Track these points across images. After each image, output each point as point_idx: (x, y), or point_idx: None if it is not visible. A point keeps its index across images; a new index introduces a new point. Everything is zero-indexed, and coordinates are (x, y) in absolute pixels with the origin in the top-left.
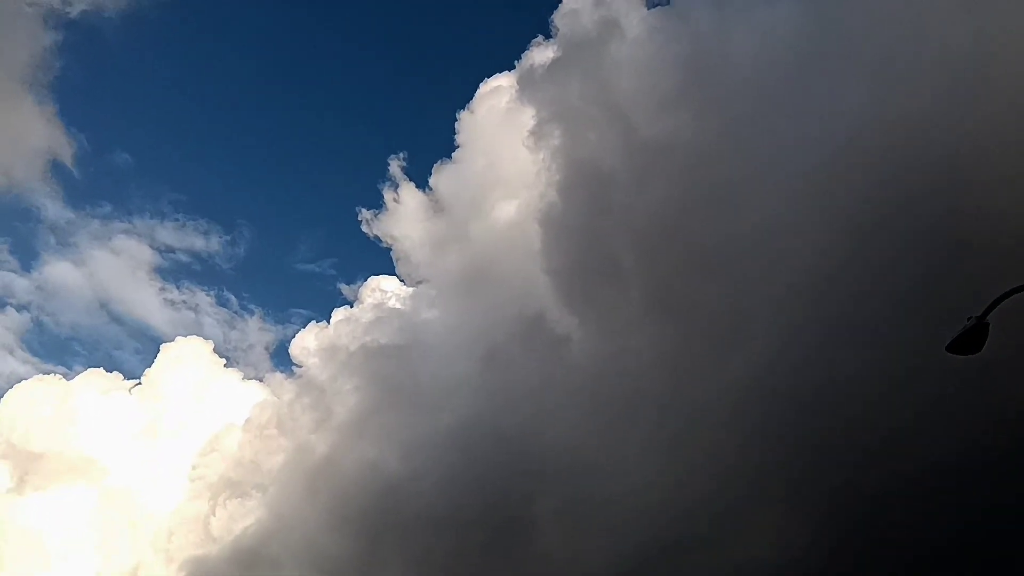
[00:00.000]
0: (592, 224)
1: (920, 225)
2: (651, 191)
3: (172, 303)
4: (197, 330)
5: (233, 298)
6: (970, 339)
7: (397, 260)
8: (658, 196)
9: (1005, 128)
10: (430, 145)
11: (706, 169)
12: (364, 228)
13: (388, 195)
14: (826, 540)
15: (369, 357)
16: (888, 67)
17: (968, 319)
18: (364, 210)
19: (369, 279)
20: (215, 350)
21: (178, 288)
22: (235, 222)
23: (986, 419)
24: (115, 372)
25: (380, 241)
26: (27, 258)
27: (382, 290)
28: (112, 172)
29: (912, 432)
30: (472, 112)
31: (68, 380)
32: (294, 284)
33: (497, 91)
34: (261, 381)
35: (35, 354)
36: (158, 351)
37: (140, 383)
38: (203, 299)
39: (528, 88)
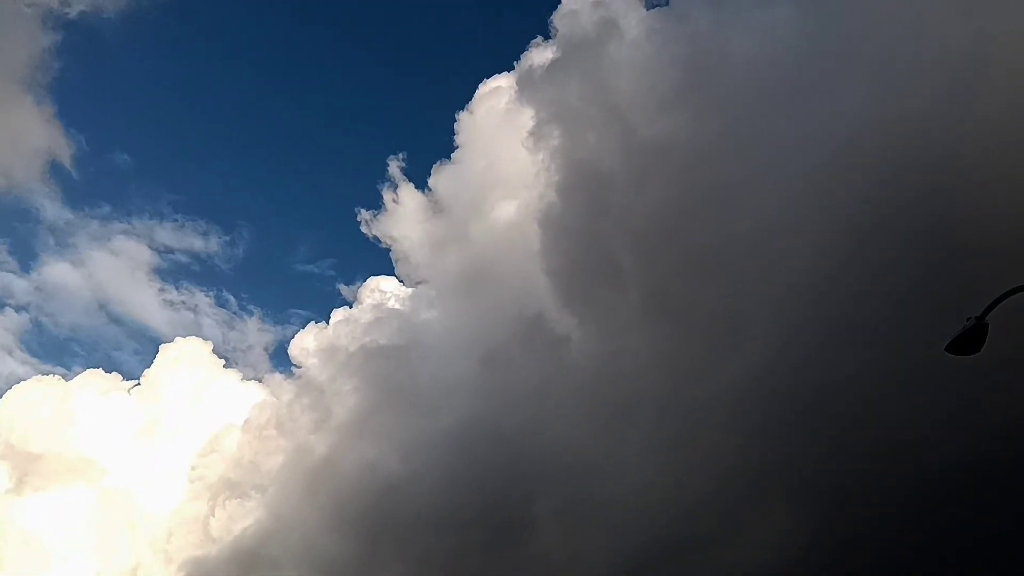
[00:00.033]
0: (591, 225)
1: (919, 225)
2: (650, 192)
3: (171, 304)
4: (196, 331)
5: (232, 299)
6: (969, 339)
7: (396, 261)
8: (657, 197)
9: (1005, 128)
10: (429, 146)
11: (705, 170)
12: (363, 229)
13: (387, 196)
14: (826, 541)
15: (368, 358)
16: (887, 67)
17: (967, 319)
18: (363, 211)
19: (368, 280)
20: (214, 351)
21: (177, 289)
22: (234, 223)
23: (986, 420)
24: (114, 373)
25: (379, 242)
26: (26, 259)
27: (381, 291)
28: (111, 173)
29: (912, 433)
30: (471, 113)
31: (67, 381)
32: (293, 285)
33: (496, 92)
34: (260, 382)
35: (34, 355)
36: (157, 352)
37: (139, 384)
38: (202, 300)
39: (527, 89)
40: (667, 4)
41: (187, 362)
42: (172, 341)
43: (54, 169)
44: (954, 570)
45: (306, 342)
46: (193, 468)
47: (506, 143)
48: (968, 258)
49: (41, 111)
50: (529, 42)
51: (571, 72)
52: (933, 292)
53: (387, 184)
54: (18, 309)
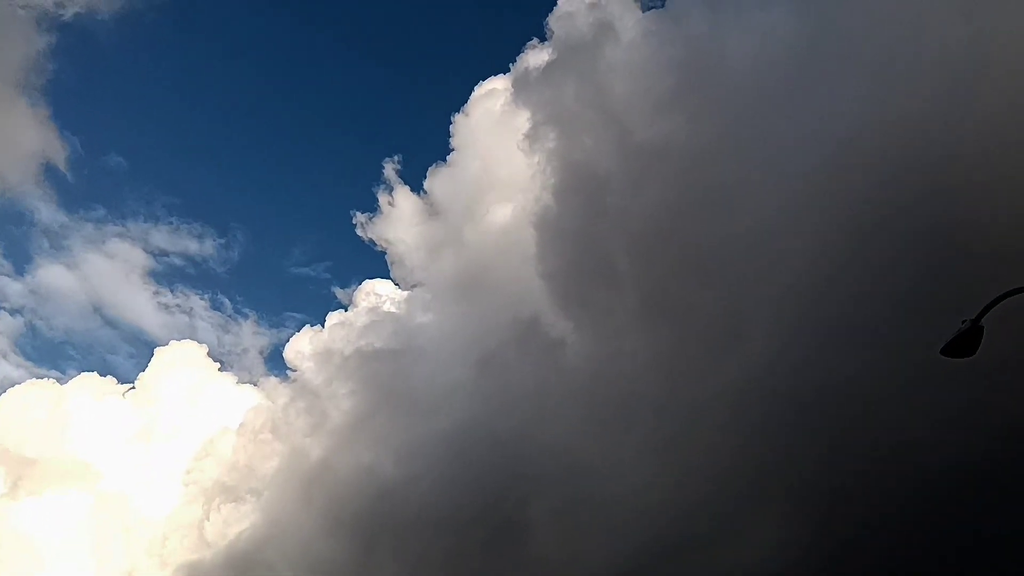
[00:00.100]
0: (587, 227)
1: (918, 226)
2: (646, 194)
3: (166, 307)
4: (191, 334)
5: (227, 302)
6: (964, 343)
7: (392, 264)
8: (653, 199)
9: (1004, 128)
10: (425, 148)
11: (701, 172)
12: (359, 231)
13: (383, 198)
14: (825, 541)
15: (364, 361)
16: (886, 68)
17: (963, 322)
18: (359, 213)
19: (363, 283)
20: (209, 354)
21: (172, 292)
22: (229, 225)
23: (985, 421)
24: (109, 376)
25: (375, 244)
26: (20, 262)
27: (376, 294)
28: (106, 175)
29: (911, 433)
30: (467, 115)
31: (62, 384)
32: (288, 288)
33: (492, 94)
34: (255, 385)
35: (28, 358)
36: (152, 355)
37: (134, 387)
38: (197, 303)
39: (523, 91)
40: (663, 6)
41: (182, 365)
42: (167, 344)
43: (48, 172)
44: (953, 570)
45: (301, 345)
46: (188, 472)
47: (502, 145)
48: (967, 259)
49: (35, 113)
50: (525, 44)
51: (567, 74)
52: (932, 293)
53: (382, 187)
54: (12, 312)
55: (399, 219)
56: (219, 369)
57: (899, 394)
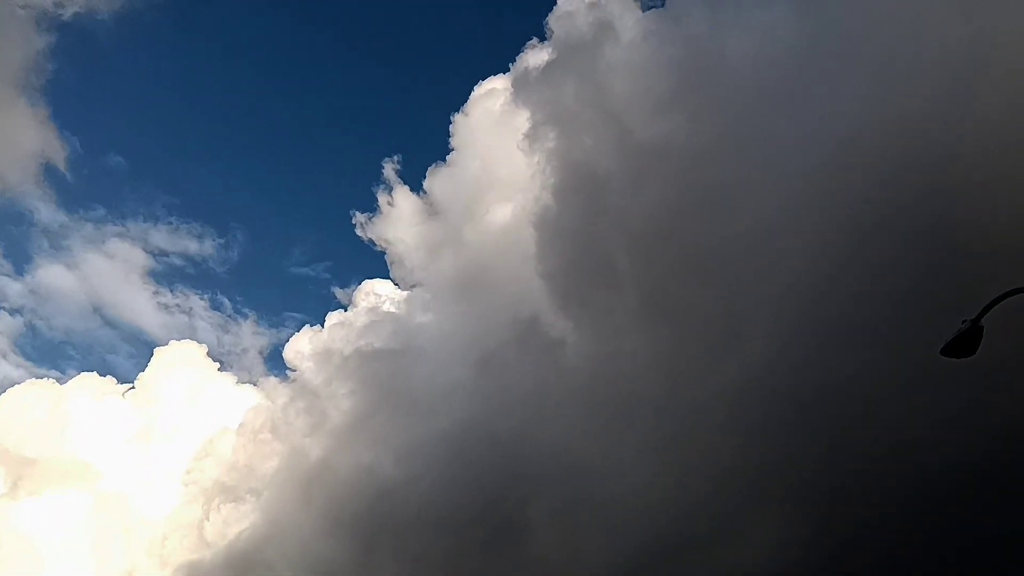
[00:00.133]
0: (587, 227)
1: (918, 226)
2: (646, 193)
3: (166, 307)
4: (191, 334)
5: (227, 302)
6: (964, 342)
7: (391, 264)
8: (653, 198)
9: (1004, 128)
10: (424, 148)
11: (701, 171)
12: (358, 231)
13: (382, 198)
14: (825, 541)
15: (363, 361)
16: (885, 68)
17: (963, 322)
18: (358, 213)
19: (363, 283)
20: (209, 354)
21: (172, 292)
22: (229, 225)
23: (985, 420)
24: (108, 376)
25: (374, 244)
26: (20, 262)
27: (376, 294)
28: (105, 175)
29: (911, 433)
30: (466, 115)
31: (61, 384)
32: (288, 288)
33: (492, 94)
34: (255, 385)
35: (28, 358)
36: (152, 355)
37: (134, 387)
38: (197, 303)
39: (523, 91)
40: (663, 5)
41: (182, 365)
42: (167, 344)
43: (48, 172)
44: (953, 570)
45: (301, 345)
46: (188, 472)
47: (502, 145)
48: (967, 258)
49: (35, 113)
50: (525, 44)
51: (567, 74)
52: (932, 292)
53: (382, 187)
54: (12, 312)
55: (399, 219)
56: (219, 369)
57: (899, 394)
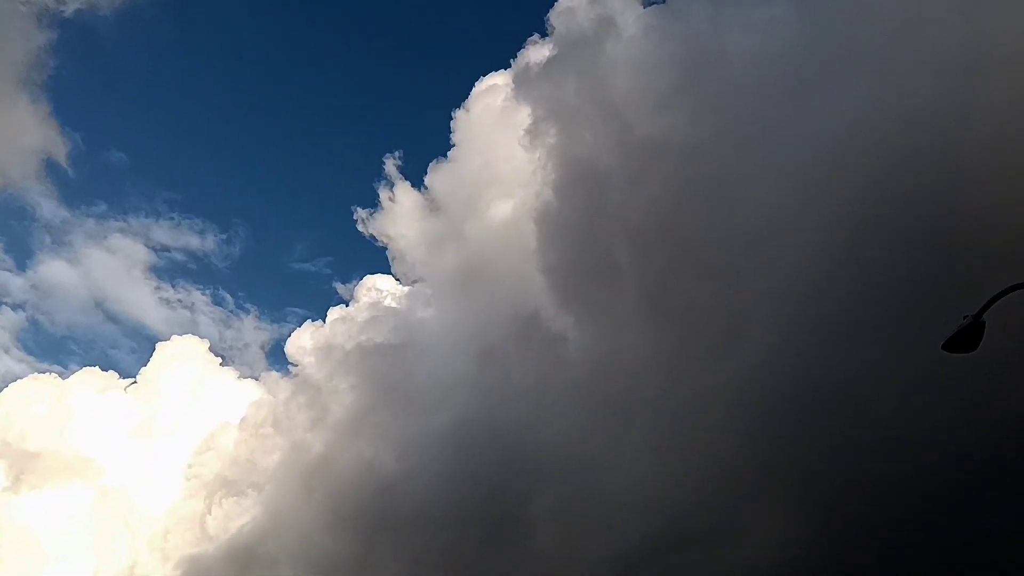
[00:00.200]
0: (588, 223)
1: (918, 223)
2: (647, 190)
3: (167, 302)
4: (192, 329)
5: (228, 297)
6: (965, 338)
7: (393, 259)
8: (654, 195)
9: (1004, 125)
10: (426, 144)
11: (702, 167)
12: (360, 227)
13: (383, 194)
14: (824, 539)
15: (365, 356)
16: (886, 65)
17: (964, 317)
18: (359, 209)
19: (365, 278)
20: (211, 349)
21: (173, 287)
22: (230, 221)
23: (986, 418)
24: (111, 371)
25: (375, 240)
26: (22, 257)
27: (378, 289)
28: (107, 171)
29: (911, 431)
30: (468, 111)
31: (63, 379)
32: (289, 283)
33: (493, 89)
34: (257, 380)
35: (30, 353)
36: (153, 350)
37: (135, 382)
38: (198, 298)
39: (524, 86)
40: (664, 1)
41: (183, 360)
42: (168, 339)
43: (50, 167)
44: (953, 568)
45: (302, 340)
46: (190, 466)
47: (502, 141)
48: (967, 256)
49: (36, 109)
50: (526, 40)
51: (568, 70)
52: (932, 290)
53: (383, 182)
54: (14, 307)
55: (400, 215)
56: (220, 364)
57: (899, 391)
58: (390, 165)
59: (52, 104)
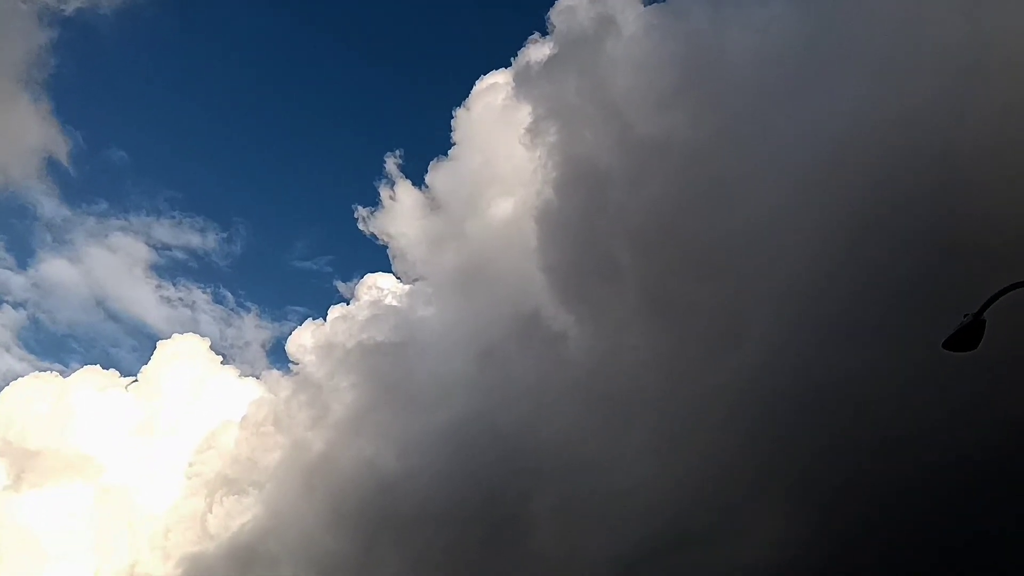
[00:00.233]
0: (588, 221)
1: (918, 223)
2: (647, 188)
3: (168, 300)
4: (193, 327)
5: (229, 295)
6: (966, 336)
7: (393, 257)
8: (654, 193)
9: (1004, 125)
10: (426, 142)
11: (703, 167)
12: (360, 226)
13: (384, 192)
14: (825, 539)
15: (366, 354)
16: (886, 65)
17: (964, 316)
18: (360, 207)
19: (365, 276)
20: (212, 347)
21: (174, 285)
22: (231, 219)
23: (986, 418)
24: (111, 369)
25: (376, 239)
26: (23, 255)
27: (378, 287)
28: (108, 169)
29: (911, 431)
30: (468, 109)
31: (64, 377)
32: (290, 281)
33: (493, 88)
34: (258, 378)
35: (31, 351)
36: (154, 348)
37: (136, 380)
38: (199, 296)
39: (524, 85)
40: (664, 1)
41: (184, 359)
42: (169, 338)
43: (51, 166)
44: (953, 568)
45: (303, 339)
46: (191, 465)
47: (503, 140)
48: (967, 256)
49: (37, 108)
50: (526, 38)
51: (568, 68)
52: (932, 290)
53: (384, 181)
54: (15, 306)
55: (401, 213)
56: (221, 362)
57: (899, 391)
58: (391, 163)
59: (53, 103)
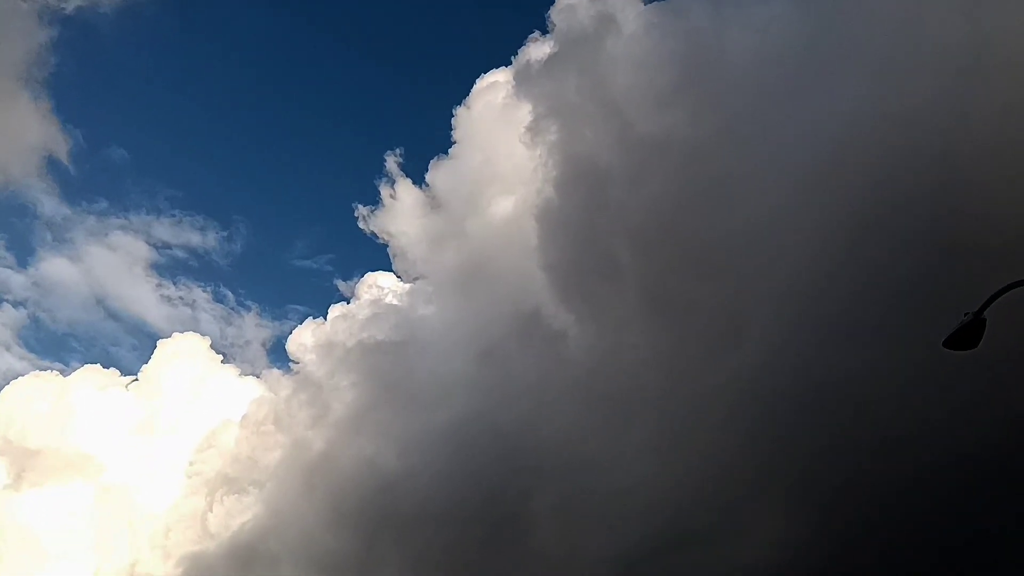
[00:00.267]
0: (589, 220)
1: (919, 222)
2: (648, 187)
3: (169, 299)
4: (194, 326)
5: (230, 294)
6: (967, 334)
7: (394, 256)
8: (655, 192)
9: (1004, 124)
10: (427, 141)
11: (703, 165)
12: (361, 224)
13: (385, 191)
14: (824, 538)
15: (366, 353)
16: (886, 64)
17: (965, 315)
18: (361, 206)
19: (366, 275)
20: (212, 346)
21: (175, 284)
22: (232, 218)
23: (986, 417)
24: (112, 368)
25: (377, 237)
26: (23, 254)
27: (379, 286)
28: (108, 168)
29: (911, 430)
30: (469, 108)
31: (65, 376)
32: (291, 280)
33: (494, 87)
34: (258, 377)
35: (32, 350)
36: (155, 347)
37: (137, 379)
38: (200, 295)
39: (525, 84)
40: None
41: (185, 358)
42: (170, 337)
43: (51, 164)
44: (953, 568)
45: (304, 338)
46: (191, 464)
47: (503, 138)
48: (967, 256)
49: (38, 106)
50: (526, 37)
51: (569, 67)
52: (932, 290)
53: (384, 180)
54: (16, 304)
55: (401, 212)
56: (222, 361)
57: (900, 390)
58: (391, 162)
59: (53, 101)
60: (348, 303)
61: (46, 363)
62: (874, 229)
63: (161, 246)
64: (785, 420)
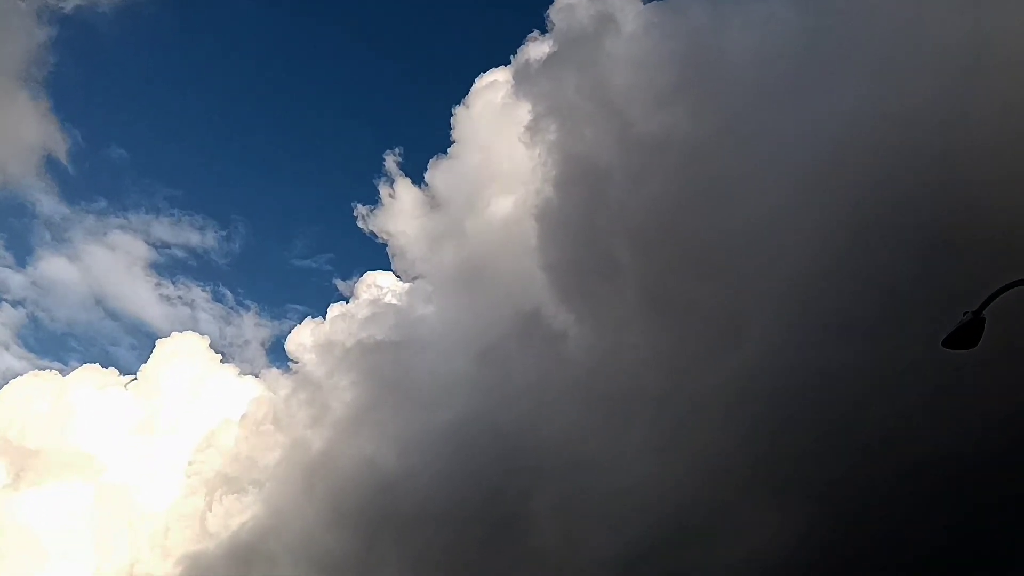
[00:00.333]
0: (588, 220)
1: (919, 221)
2: (647, 187)
3: (168, 299)
4: (193, 326)
5: (229, 294)
6: (966, 334)
7: (393, 256)
8: (654, 192)
9: (1003, 123)
10: (426, 140)
11: (702, 165)
12: (360, 224)
13: (384, 190)
14: (822, 536)
15: (365, 353)
16: (886, 63)
17: (964, 314)
18: (360, 206)
19: (365, 275)
20: (211, 346)
21: (174, 284)
22: (230, 217)
23: (983, 415)
24: (111, 368)
25: (376, 237)
26: (22, 254)
27: (378, 286)
28: (107, 167)
29: (909, 428)
30: (468, 107)
31: (64, 376)
32: (290, 280)
33: (493, 86)
34: (257, 377)
35: (31, 350)
36: (154, 347)
37: (136, 379)
38: (199, 295)
39: (524, 83)
40: None
41: (184, 357)
42: (169, 336)
43: (50, 164)
44: (948, 564)
45: (303, 337)
46: (190, 463)
47: (503, 138)
48: (967, 255)
49: (36, 106)
50: (526, 36)
51: (568, 66)
52: (931, 288)
53: (383, 179)
54: (14, 304)
55: (400, 211)
56: (221, 361)
57: (897, 390)
58: (390, 161)
59: (52, 101)
60: (347, 303)
61: (45, 363)
62: (874, 229)
63: (160, 245)
64: (785, 420)
